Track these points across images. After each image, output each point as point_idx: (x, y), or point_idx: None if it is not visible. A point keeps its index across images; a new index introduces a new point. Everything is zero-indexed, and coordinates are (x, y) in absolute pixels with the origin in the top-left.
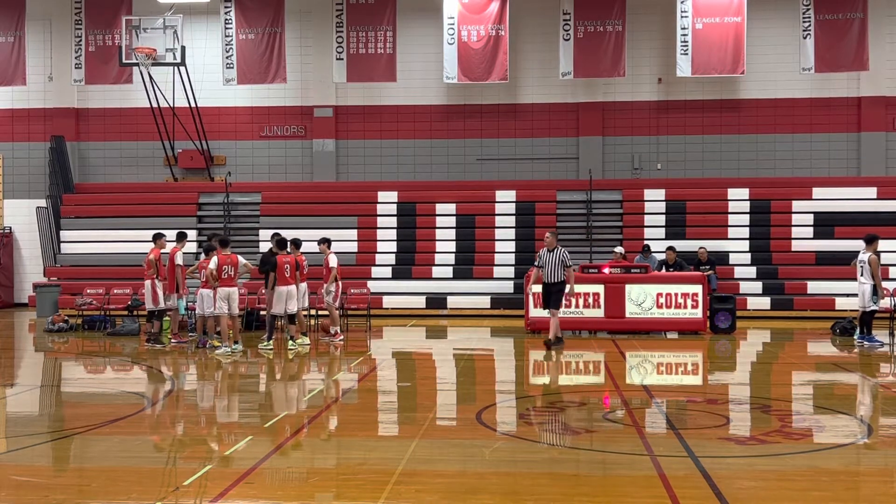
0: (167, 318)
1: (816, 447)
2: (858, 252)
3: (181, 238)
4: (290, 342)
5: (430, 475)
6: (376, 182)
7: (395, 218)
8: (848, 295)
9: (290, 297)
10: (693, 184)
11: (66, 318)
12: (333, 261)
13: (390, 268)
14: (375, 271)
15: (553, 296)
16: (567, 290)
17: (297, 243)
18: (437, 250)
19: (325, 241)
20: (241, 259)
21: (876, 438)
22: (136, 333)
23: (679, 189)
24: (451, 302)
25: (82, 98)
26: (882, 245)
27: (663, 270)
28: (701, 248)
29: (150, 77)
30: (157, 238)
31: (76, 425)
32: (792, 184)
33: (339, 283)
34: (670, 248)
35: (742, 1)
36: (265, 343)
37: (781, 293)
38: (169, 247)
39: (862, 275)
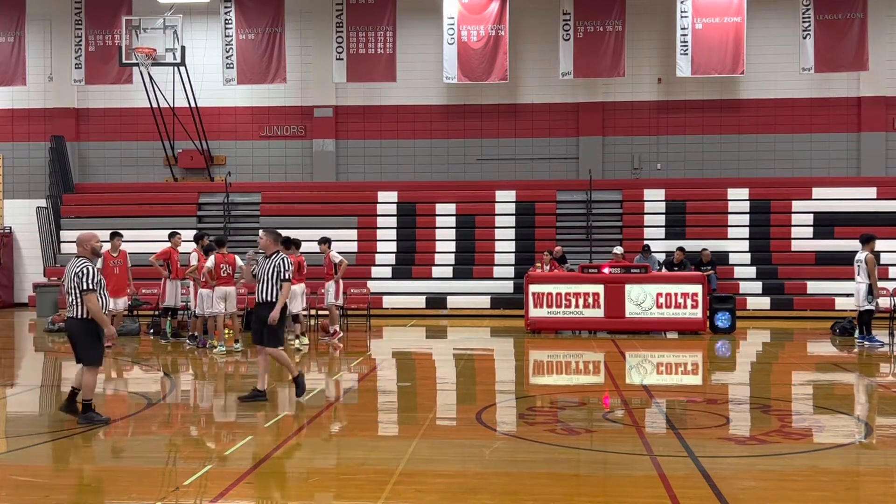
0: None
1: (816, 447)
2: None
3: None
4: (297, 342)
5: (430, 475)
6: (376, 182)
7: (395, 218)
8: (848, 295)
9: (294, 297)
10: (693, 184)
11: (67, 317)
12: (337, 257)
13: (390, 268)
14: (375, 271)
15: (265, 324)
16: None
17: (297, 244)
18: (437, 250)
19: (326, 241)
20: (238, 260)
21: (875, 438)
22: (136, 333)
23: (679, 189)
24: (451, 302)
25: (82, 98)
26: (881, 245)
27: (674, 270)
28: (704, 249)
29: (150, 77)
30: (173, 236)
31: (76, 425)
32: (792, 184)
33: (341, 282)
34: (680, 249)
35: (742, 1)
36: None
37: (781, 293)
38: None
39: (859, 274)
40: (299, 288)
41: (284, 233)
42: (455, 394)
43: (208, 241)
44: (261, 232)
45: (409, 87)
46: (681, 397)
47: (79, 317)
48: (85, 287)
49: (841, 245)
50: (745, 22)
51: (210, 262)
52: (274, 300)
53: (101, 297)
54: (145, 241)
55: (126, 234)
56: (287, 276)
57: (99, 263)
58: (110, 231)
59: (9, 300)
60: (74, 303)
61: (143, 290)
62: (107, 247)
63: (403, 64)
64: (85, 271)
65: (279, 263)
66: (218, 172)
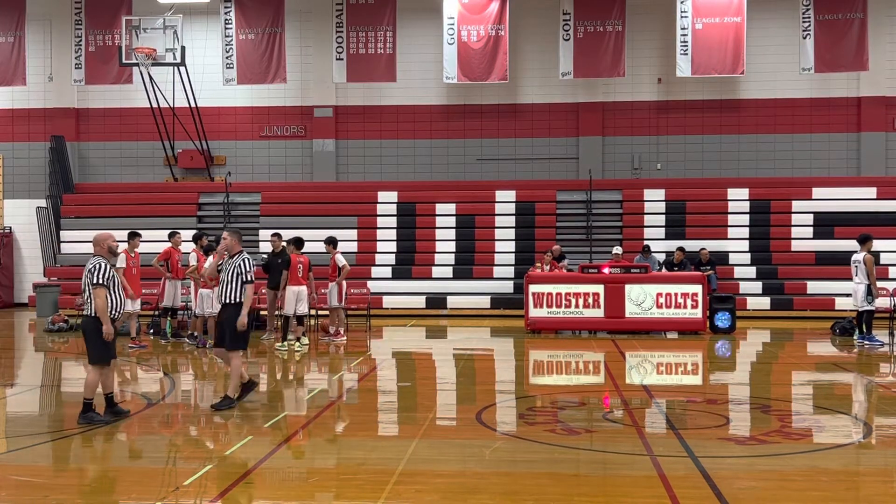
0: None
1: (816, 447)
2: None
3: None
4: (297, 343)
5: (430, 475)
6: (376, 182)
7: (395, 218)
8: (847, 295)
9: (301, 298)
10: (693, 184)
11: (66, 317)
12: (342, 260)
13: (390, 268)
14: (375, 271)
15: (228, 326)
16: (241, 316)
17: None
18: (437, 250)
19: (332, 242)
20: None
21: (875, 438)
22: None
23: (679, 189)
24: (451, 302)
25: (82, 98)
26: (881, 245)
27: (674, 270)
28: (702, 248)
29: (150, 77)
30: (173, 236)
31: (76, 425)
32: (792, 184)
33: (343, 283)
34: (680, 249)
35: (742, 1)
36: (280, 344)
37: (781, 293)
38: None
39: (857, 275)
40: (304, 289)
41: (285, 233)
42: (455, 394)
43: (207, 241)
44: (224, 232)
45: (409, 87)
46: (681, 397)
47: (92, 314)
48: (95, 281)
49: (841, 245)
50: (745, 22)
51: (203, 262)
52: (236, 301)
53: (113, 295)
54: (145, 241)
55: (126, 234)
56: (249, 278)
57: (122, 262)
58: (128, 231)
59: (9, 300)
60: (88, 300)
61: (143, 291)
62: (124, 247)
63: (403, 64)
64: (98, 267)
65: (240, 264)
66: (218, 172)
